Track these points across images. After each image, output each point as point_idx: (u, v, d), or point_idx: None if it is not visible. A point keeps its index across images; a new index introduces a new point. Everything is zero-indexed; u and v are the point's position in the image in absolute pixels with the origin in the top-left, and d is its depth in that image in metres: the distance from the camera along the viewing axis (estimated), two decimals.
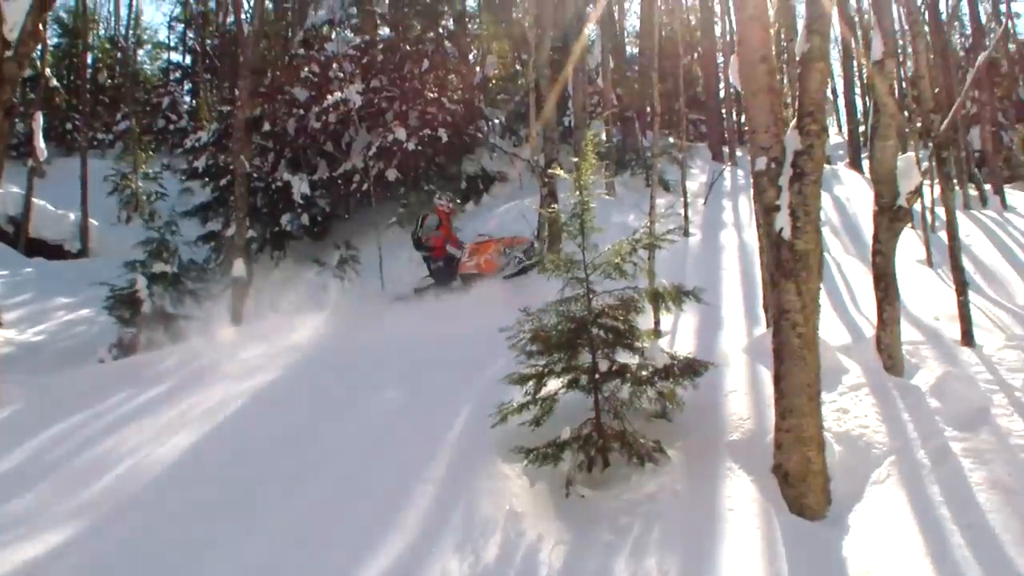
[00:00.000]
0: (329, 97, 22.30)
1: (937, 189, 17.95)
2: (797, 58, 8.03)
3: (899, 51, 29.22)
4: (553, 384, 8.54)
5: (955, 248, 12.19)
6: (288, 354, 14.04)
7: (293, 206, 21.72)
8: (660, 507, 7.57)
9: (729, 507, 7.41)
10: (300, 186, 21.72)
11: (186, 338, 16.46)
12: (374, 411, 10.60)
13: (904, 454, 8.16)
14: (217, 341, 15.57)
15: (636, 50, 37.22)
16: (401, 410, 10.54)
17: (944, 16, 30.12)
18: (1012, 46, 40.66)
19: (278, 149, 23.15)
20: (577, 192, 8.50)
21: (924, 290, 14.36)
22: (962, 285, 11.76)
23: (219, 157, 22.96)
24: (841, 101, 39.11)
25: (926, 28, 27.26)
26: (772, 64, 7.88)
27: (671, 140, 27.17)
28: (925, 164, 11.51)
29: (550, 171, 13.97)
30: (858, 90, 38.25)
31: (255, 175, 21.46)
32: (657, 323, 10.78)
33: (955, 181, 25.70)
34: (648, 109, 28.49)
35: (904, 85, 30.14)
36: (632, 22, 39.95)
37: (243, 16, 25.72)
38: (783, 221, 7.37)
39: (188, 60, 44.86)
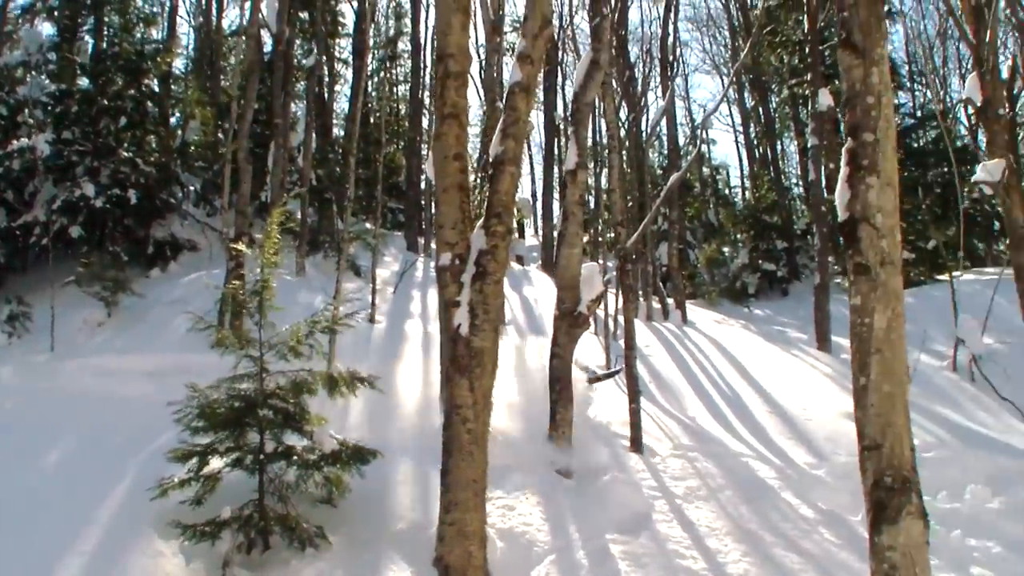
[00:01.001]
0: (15, 143, 21.30)
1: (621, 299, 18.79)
2: (490, 159, 8.32)
3: (600, 162, 30.61)
4: (217, 463, 8.40)
5: (631, 357, 12.86)
6: None
7: None
8: None
9: None
10: None
11: None
12: (30, 476, 10.09)
13: (565, 554, 8.50)
14: None
15: (343, 132, 37.43)
16: (59, 477, 10.09)
17: (644, 134, 31.78)
18: (706, 170, 43.32)
19: None
20: (259, 269, 8.47)
21: (600, 396, 14.95)
22: (635, 393, 12.41)
23: None
24: (539, 204, 40.40)
25: (625, 143, 28.69)
26: (465, 162, 8.24)
27: (367, 225, 27.36)
28: (611, 274, 12.20)
29: (236, 245, 13.85)
30: (556, 194, 39.72)
31: None
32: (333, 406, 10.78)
33: (640, 293, 26.99)
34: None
35: (602, 196, 31.54)
36: (342, 104, 40.22)
37: None
38: (462, 317, 7.62)
39: None
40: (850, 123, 5.20)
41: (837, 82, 18.02)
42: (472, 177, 31.53)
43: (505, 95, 8.63)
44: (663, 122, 33.69)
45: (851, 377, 5.14)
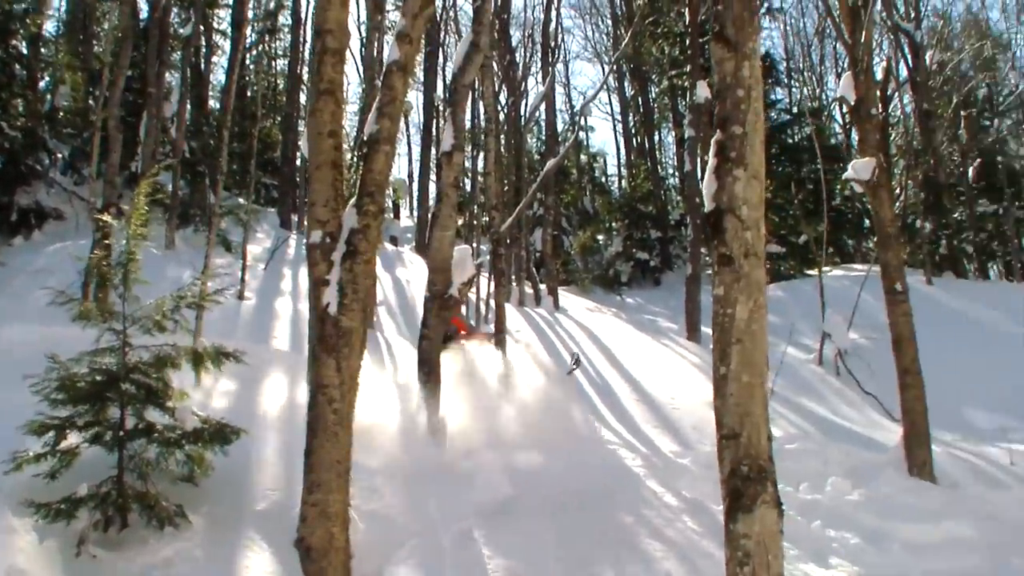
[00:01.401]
0: None
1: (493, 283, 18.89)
2: (364, 138, 8.27)
3: (478, 145, 30.59)
4: (76, 437, 8.24)
5: (501, 342, 12.85)
6: None
7: None
8: (176, 573, 7.57)
9: None
10: None
11: None
12: None
13: (428, 537, 8.55)
14: None
15: (219, 104, 36.81)
16: None
17: (523, 119, 31.86)
18: (584, 157, 43.60)
19: None
20: (125, 241, 8.31)
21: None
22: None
23: None
24: (416, 184, 40.31)
25: (504, 127, 28.75)
26: (339, 140, 8.17)
27: (240, 200, 26.98)
28: (484, 258, 12.27)
29: (103, 216, 13.53)
30: (433, 176, 39.63)
31: None
32: (198, 383, 10.62)
33: (512, 278, 27.09)
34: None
35: (478, 179, 31.57)
36: (219, 76, 39.52)
37: None
38: (331, 296, 7.55)
39: None
40: (720, 115, 5.30)
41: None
42: (348, 155, 31.41)
43: (383, 74, 8.58)
44: (542, 107, 33.81)
45: None
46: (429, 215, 23.60)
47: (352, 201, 8.00)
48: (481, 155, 27.92)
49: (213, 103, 36.41)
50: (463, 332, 17.68)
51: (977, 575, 11.28)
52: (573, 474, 11.30)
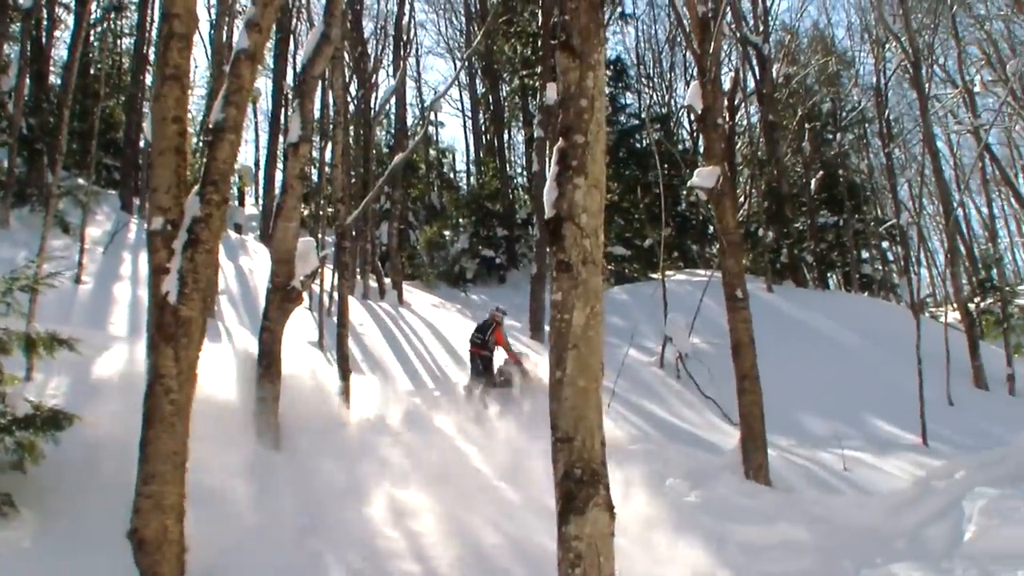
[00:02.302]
0: None
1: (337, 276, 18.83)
2: (210, 126, 8.20)
3: (327, 136, 30.37)
4: None
5: (344, 335, 12.87)
6: None
7: None
8: (1, 564, 7.31)
9: (83, 572, 7.31)
10: None
11: None
12: None
13: (265, 530, 8.57)
14: None
15: (60, 81, 35.75)
16: None
17: (373, 112, 31.75)
18: (433, 152, 43.61)
19: None
20: None
21: (311, 370, 14.93)
22: (346, 371, 12.43)
23: None
24: (263, 174, 39.72)
25: (353, 119, 28.65)
26: (184, 126, 8.06)
27: (80, 181, 26.27)
28: (328, 250, 12.26)
29: None
30: (280, 165, 39.17)
31: None
32: (30, 369, 10.38)
33: (357, 271, 27.00)
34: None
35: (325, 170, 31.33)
36: (61, 52, 38.36)
37: None
38: (171, 285, 7.46)
39: None
40: (563, 124, 5.42)
41: None
42: (194, 140, 30.88)
43: (231, 62, 8.52)
44: (393, 101, 33.71)
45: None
46: (275, 204, 23.38)
47: (195, 189, 7.93)
48: (329, 146, 27.75)
49: (54, 79, 35.40)
50: (512, 359, 17.82)
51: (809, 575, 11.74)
52: (418, 467, 11.40)
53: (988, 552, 13.03)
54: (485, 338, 18.24)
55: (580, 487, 5.03)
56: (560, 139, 5.41)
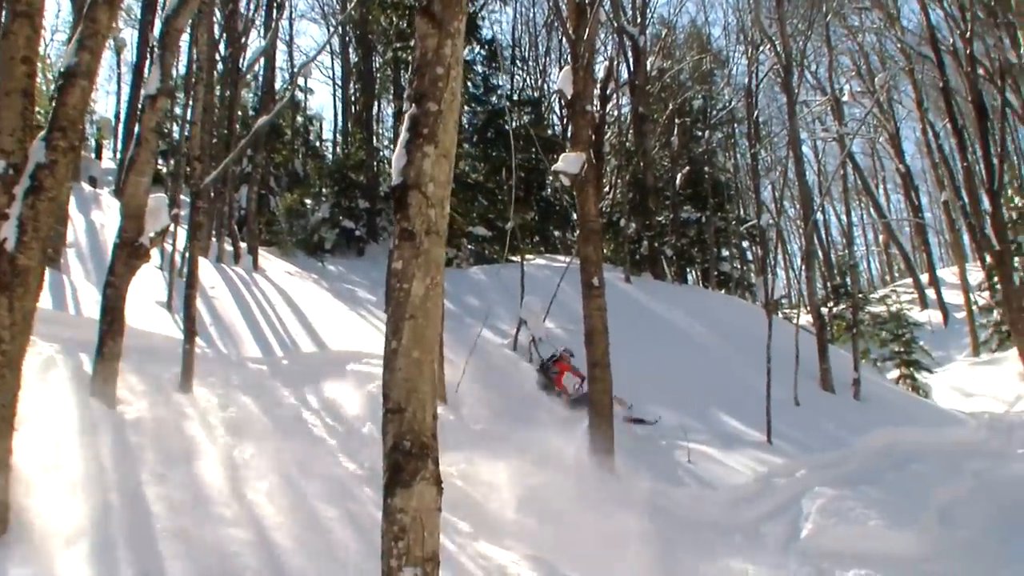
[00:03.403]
0: None
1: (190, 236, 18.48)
2: (61, 70, 7.97)
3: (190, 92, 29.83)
4: None
5: (192, 296, 12.69)
6: None
7: None
8: None
9: None
10: None
11: None
12: None
13: (96, 492, 8.36)
14: None
15: None
16: None
17: (241, 72, 31.28)
18: (300, 119, 43.09)
19: None
20: None
21: (156, 331, 14.68)
22: (192, 333, 12.24)
23: None
24: (123, 126, 38.77)
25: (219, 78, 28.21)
26: (34, 67, 7.80)
27: None
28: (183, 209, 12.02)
29: None
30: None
31: None
32: None
33: (213, 233, 26.59)
34: None
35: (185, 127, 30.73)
36: None
37: None
38: (9, 232, 7.23)
39: None
40: (416, 91, 5.38)
41: None
42: (51, 86, 29.98)
43: (87, 5, 8.29)
44: (262, 63, 33.22)
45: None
46: (128, 158, 22.71)
47: (41, 134, 7.71)
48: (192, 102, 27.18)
49: None
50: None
51: (648, 565, 11.95)
52: (254, 432, 11.31)
53: (823, 550, 13.49)
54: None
55: (408, 459, 5.00)
56: (412, 105, 5.38)
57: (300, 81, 34.03)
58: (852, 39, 45.38)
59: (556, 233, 36.60)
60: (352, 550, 8.87)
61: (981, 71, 28.48)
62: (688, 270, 38.26)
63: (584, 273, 15.15)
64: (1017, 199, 38.50)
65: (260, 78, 37.36)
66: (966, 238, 46.22)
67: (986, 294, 38.69)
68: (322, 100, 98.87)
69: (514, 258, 25.28)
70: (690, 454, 15.64)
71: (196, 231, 13.99)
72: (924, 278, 49.44)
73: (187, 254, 14.57)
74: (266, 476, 10.02)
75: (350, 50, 45.03)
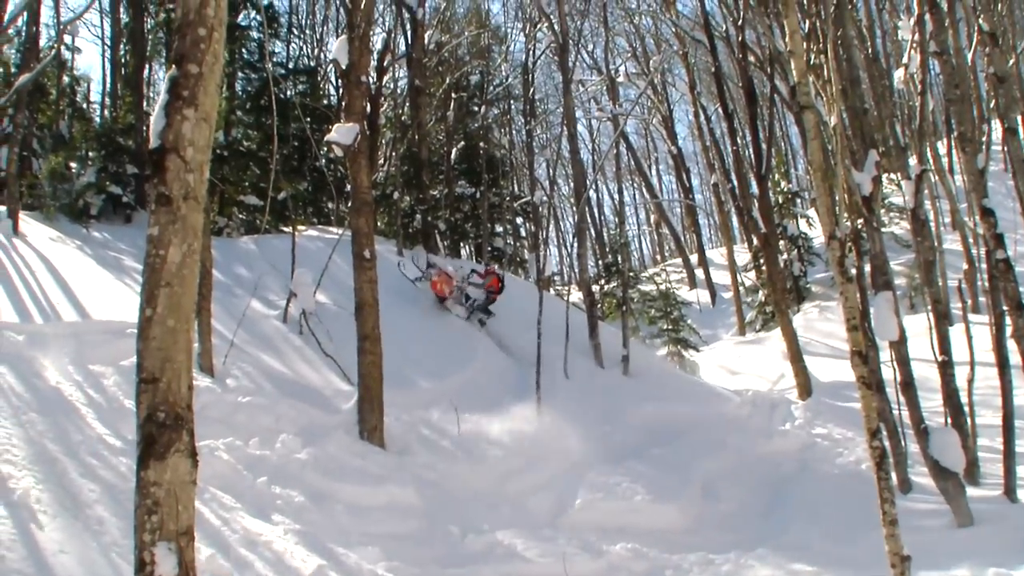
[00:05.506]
0: None
1: None
2: None
3: None
4: None
5: None
6: None
7: None
8: None
9: None
10: None
11: None
12: None
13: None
14: None
15: None
16: None
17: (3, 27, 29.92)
18: (67, 79, 41.52)
19: None
20: None
21: None
22: None
23: None
24: None
25: None
26: None
27: None
28: None
29: None
30: None
31: None
32: None
33: None
34: None
35: None
36: None
37: None
38: None
39: None
40: (177, 52, 5.22)
41: None
42: None
43: None
44: (25, 17, 31.84)
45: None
46: None
47: None
48: None
49: None
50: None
51: (415, 539, 12.03)
52: (8, 405, 10.85)
53: (590, 523, 13.86)
54: None
55: (163, 431, 4.86)
56: (173, 67, 5.20)
57: (67, 39, 32.64)
58: (629, 21, 46.42)
59: (330, 205, 36.29)
60: (112, 524, 8.64)
61: (752, 58, 29.50)
62: (462, 245, 38.49)
63: (355, 245, 15.13)
64: (784, 183, 40.12)
65: (23, 34, 35.85)
66: (735, 220, 47.93)
67: (752, 275, 40.06)
68: (91, 60, 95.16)
69: (286, 228, 24.91)
70: (460, 428, 15.79)
71: None
72: (694, 258, 50.98)
73: None
74: (22, 448, 9.65)
75: (121, 9, 43.52)
